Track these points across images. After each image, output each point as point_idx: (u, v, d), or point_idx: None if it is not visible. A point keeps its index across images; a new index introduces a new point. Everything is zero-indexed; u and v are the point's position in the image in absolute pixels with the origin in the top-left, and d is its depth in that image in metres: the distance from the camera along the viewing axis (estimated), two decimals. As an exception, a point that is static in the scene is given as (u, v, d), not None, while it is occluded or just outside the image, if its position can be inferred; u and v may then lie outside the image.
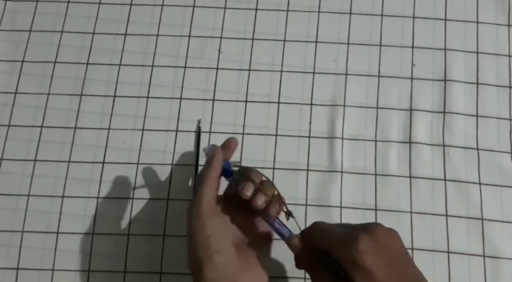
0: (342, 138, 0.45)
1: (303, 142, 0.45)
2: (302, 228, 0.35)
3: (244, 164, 0.44)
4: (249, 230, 0.36)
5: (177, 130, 0.45)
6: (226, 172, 0.36)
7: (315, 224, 0.34)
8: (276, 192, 0.34)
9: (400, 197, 0.43)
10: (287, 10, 0.49)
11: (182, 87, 0.47)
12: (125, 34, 0.48)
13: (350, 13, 0.49)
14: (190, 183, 0.44)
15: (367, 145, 0.45)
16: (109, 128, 0.45)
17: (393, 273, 0.29)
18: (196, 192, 0.34)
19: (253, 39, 0.48)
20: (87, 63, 0.48)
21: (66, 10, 0.49)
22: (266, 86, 0.47)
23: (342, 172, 0.44)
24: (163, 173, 0.44)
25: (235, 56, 0.48)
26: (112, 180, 0.44)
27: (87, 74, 0.47)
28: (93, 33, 0.48)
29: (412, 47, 0.47)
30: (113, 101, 0.46)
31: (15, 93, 0.47)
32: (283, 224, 0.34)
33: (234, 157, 0.44)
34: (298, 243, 0.34)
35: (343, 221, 0.43)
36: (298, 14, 0.49)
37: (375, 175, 0.44)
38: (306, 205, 0.43)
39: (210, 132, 0.45)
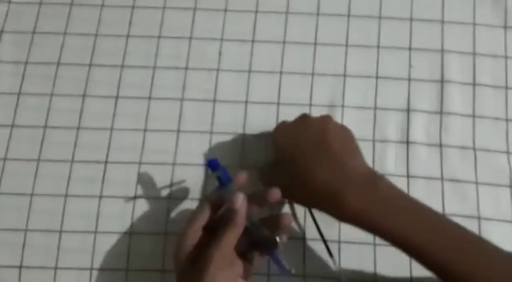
0: (341, 138, 0.45)
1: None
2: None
3: (244, 165, 0.45)
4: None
5: (178, 131, 0.46)
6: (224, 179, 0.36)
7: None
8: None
9: (398, 196, 0.44)
10: (287, 13, 0.50)
11: (183, 88, 0.47)
12: (128, 36, 0.49)
13: (349, 16, 0.49)
14: (197, 183, 0.45)
15: (365, 145, 0.45)
16: (111, 129, 0.46)
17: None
18: (216, 246, 0.33)
19: (253, 41, 0.49)
20: (90, 65, 0.48)
21: (69, 12, 0.50)
22: (265, 88, 0.47)
23: (341, 171, 0.44)
24: (165, 172, 0.45)
25: (236, 58, 0.48)
26: (115, 179, 0.45)
27: (90, 75, 0.48)
28: (96, 35, 0.49)
29: (410, 48, 0.48)
30: (116, 102, 0.47)
31: (19, 94, 0.47)
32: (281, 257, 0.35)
33: (234, 157, 0.45)
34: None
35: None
36: (298, 17, 0.49)
37: (374, 174, 0.44)
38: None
39: (211, 132, 0.46)
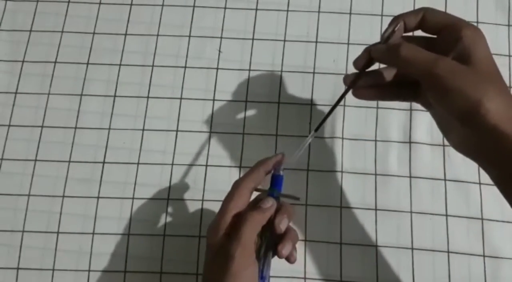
0: (342, 138, 0.45)
1: (303, 141, 0.45)
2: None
3: (244, 164, 0.44)
4: None
5: (177, 130, 0.45)
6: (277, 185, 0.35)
7: (427, 7, 0.32)
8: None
9: (400, 197, 0.43)
10: (287, 10, 0.49)
11: (182, 87, 0.47)
12: (126, 34, 0.48)
13: (350, 13, 0.49)
14: (197, 184, 0.44)
15: (367, 145, 0.45)
16: (109, 128, 0.46)
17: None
18: (240, 232, 0.31)
19: (253, 39, 0.48)
20: (88, 63, 0.48)
21: (67, 10, 0.49)
22: (266, 86, 0.47)
23: (342, 172, 0.44)
24: (163, 173, 0.44)
25: (235, 56, 0.48)
26: (113, 180, 0.44)
27: (88, 74, 0.47)
28: (94, 33, 0.49)
29: (412, 47, 0.47)
30: (113, 101, 0.46)
31: (16, 93, 0.47)
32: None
33: (234, 157, 0.45)
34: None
35: (343, 221, 0.43)
36: (298, 14, 0.49)
37: (375, 175, 0.44)
38: (306, 205, 0.43)
39: (210, 132, 0.45)
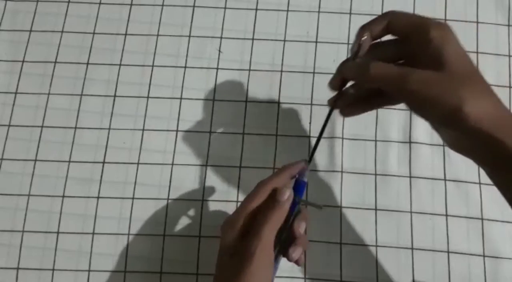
0: (342, 138, 0.45)
1: (303, 141, 0.45)
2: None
3: (244, 164, 0.44)
4: None
5: (177, 130, 0.45)
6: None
7: (392, 11, 0.31)
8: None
9: (400, 197, 0.43)
10: (287, 10, 0.49)
11: (182, 87, 0.47)
12: (125, 34, 0.48)
13: (350, 13, 0.49)
14: (197, 184, 0.44)
15: (367, 145, 0.45)
16: (109, 128, 0.46)
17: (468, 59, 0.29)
18: (261, 230, 0.31)
19: (253, 39, 0.48)
20: (87, 63, 0.48)
21: (67, 10, 0.49)
22: (266, 86, 0.47)
23: (342, 172, 0.44)
24: (163, 173, 0.44)
25: (235, 56, 0.48)
26: (113, 180, 0.44)
27: (87, 74, 0.47)
28: (93, 33, 0.49)
29: (412, 47, 0.47)
30: (113, 101, 0.46)
31: (16, 93, 0.47)
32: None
33: (234, 157, 0.45)
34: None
35: (343, 221, 0.43)
36: (298, 14, 0.49)
37: (375, 175, 0.44)
38: (306, 205, 0.43)
39: (210, 132, 0.45)
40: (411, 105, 0.29)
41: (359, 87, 0.34)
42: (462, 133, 0.28)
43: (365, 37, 0.30)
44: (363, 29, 0.31)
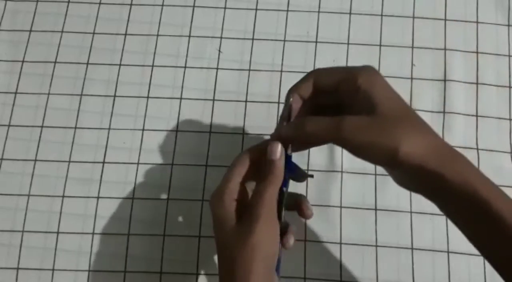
0: (342, 138, 0.45)
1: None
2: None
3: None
4: None
5: (177, 130, 0.45)
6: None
7: (317, 70, 0.32)
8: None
9: (400, 197, 0.43)
10: (287, 10, 0.49)
11: (182, 87, 0.47)
12: (125, 34, 0.48)
13: (350, 13, 0.49)
14: (197, 184, 0.44)
15: (367, 145, 0.45)
16: (109, 128, 0.46)
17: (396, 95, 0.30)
18: (263, 190, 0.30)
19: (253, 39, 0.48)
20: (87, 63, 0.48)
21: (66, 10, 0.49)
22: (266, 87, 0.47)
23: (342, 172, 0.44)
24: (163, 173, 0.44)
25: (235, 56, 0.48)
26: (113, 179, 0.44)
27: (87, 74, 0.47)
28: (93, 33, 0.49)
29: (412, 47, 0.47)
30: (113, 101, 0.46)
31: (15, 93, 0.47)
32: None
33: (234, 157, 0.44)
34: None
35: (344, 222, 0.43)
36: (298, 14, 0.49)
37: (375, 175, 0.44)
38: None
39: (210, 132, 0.45)
40: (350, 152, 0.29)
41: (299, 149, 0.34)
42: (405, 173, 0.28)
43: (292, 99, 0.31)
44: (290, 91, 0.32)
